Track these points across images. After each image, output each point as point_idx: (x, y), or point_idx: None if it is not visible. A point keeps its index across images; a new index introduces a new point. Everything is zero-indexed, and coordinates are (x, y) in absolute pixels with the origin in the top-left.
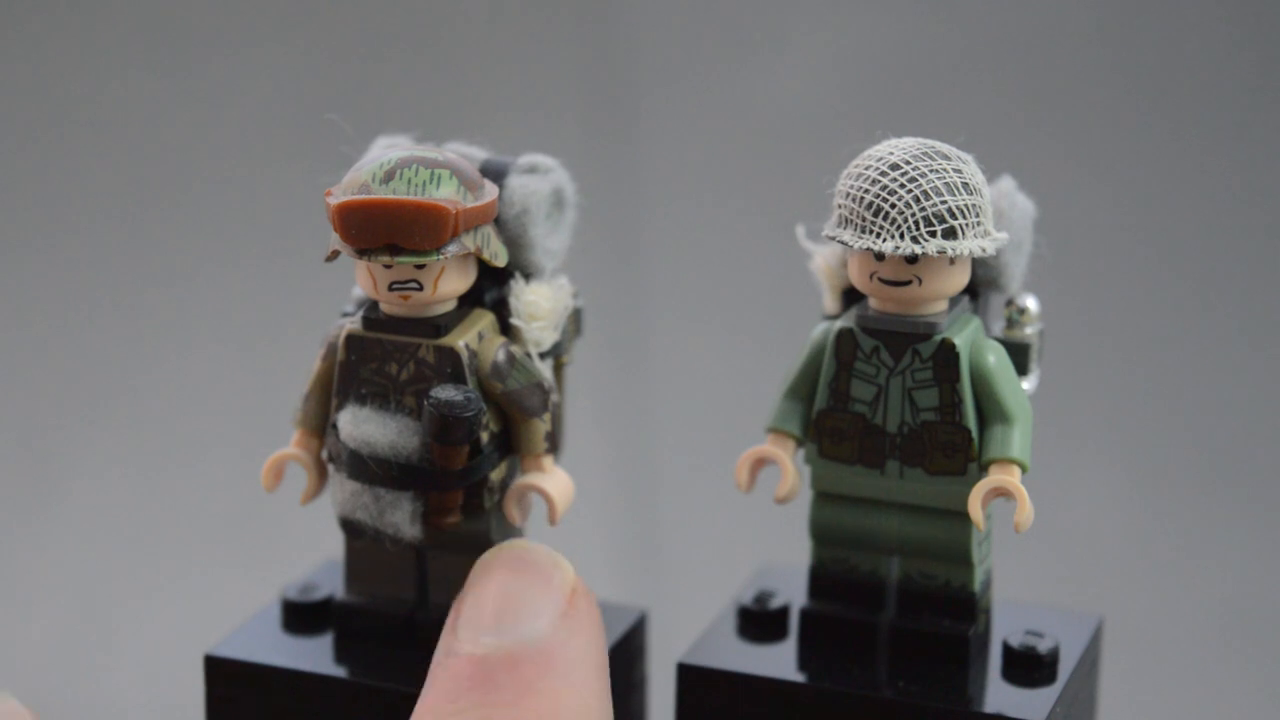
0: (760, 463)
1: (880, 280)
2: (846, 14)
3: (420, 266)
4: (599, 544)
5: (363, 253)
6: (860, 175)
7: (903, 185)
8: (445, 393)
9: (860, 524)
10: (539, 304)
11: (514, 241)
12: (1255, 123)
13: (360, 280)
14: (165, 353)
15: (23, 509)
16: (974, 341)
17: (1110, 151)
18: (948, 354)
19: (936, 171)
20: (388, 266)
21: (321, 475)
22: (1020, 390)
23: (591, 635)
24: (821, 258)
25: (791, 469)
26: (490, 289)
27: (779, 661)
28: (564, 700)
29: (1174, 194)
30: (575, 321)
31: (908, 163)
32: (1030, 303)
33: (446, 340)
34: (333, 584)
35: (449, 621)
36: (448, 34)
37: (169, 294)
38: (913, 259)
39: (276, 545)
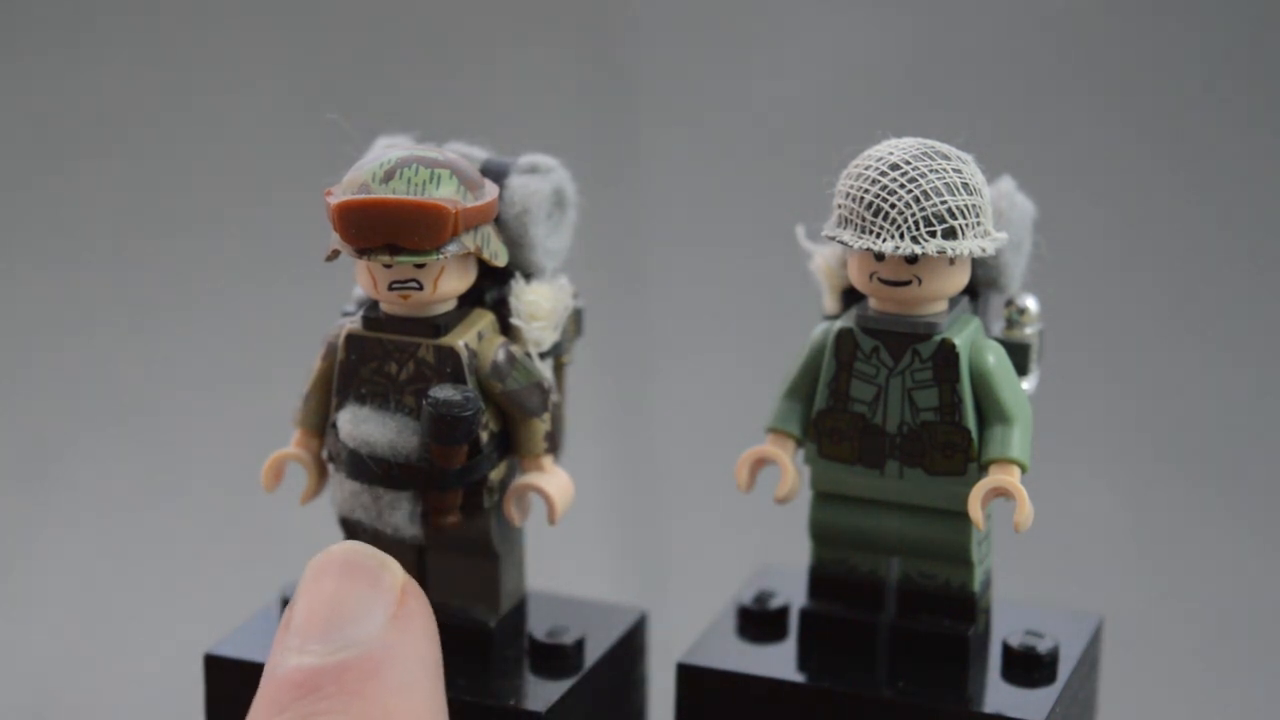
0: (760, 463)
1: (880, 280)
2: (847, 14)
3: (420, 266)
4: (599, 544)
5: (362, 252)
6: (860, 175)
7: (902, 185)
8: (444, 392)
9: (860, 524)
10: (539, 304)
11: (515, 241)
12: (1255, 123)
13: (360, 280)
14: (165, 352)
15: (23, 508)
16: (974, 342)
17: (1109, 152)
18: (947, 354)
19: (936, 171)
20: (387, 266)
21: (321, 475)
22: (1020, 390)
23: (421, 634)
24: (821, 258)
25: (791, 469)
26: (490, 289)
27: (779, 661)
28: (392, 703)
29: (1173, 194)
30: (575, 321)
31: (907, 163)
32: (1030, 303)
33: (446, 340)
34: None
35: (279, 632)
36: (448, 34)
37: (169, 294)
38: (912, 259)
39: (276, 545)
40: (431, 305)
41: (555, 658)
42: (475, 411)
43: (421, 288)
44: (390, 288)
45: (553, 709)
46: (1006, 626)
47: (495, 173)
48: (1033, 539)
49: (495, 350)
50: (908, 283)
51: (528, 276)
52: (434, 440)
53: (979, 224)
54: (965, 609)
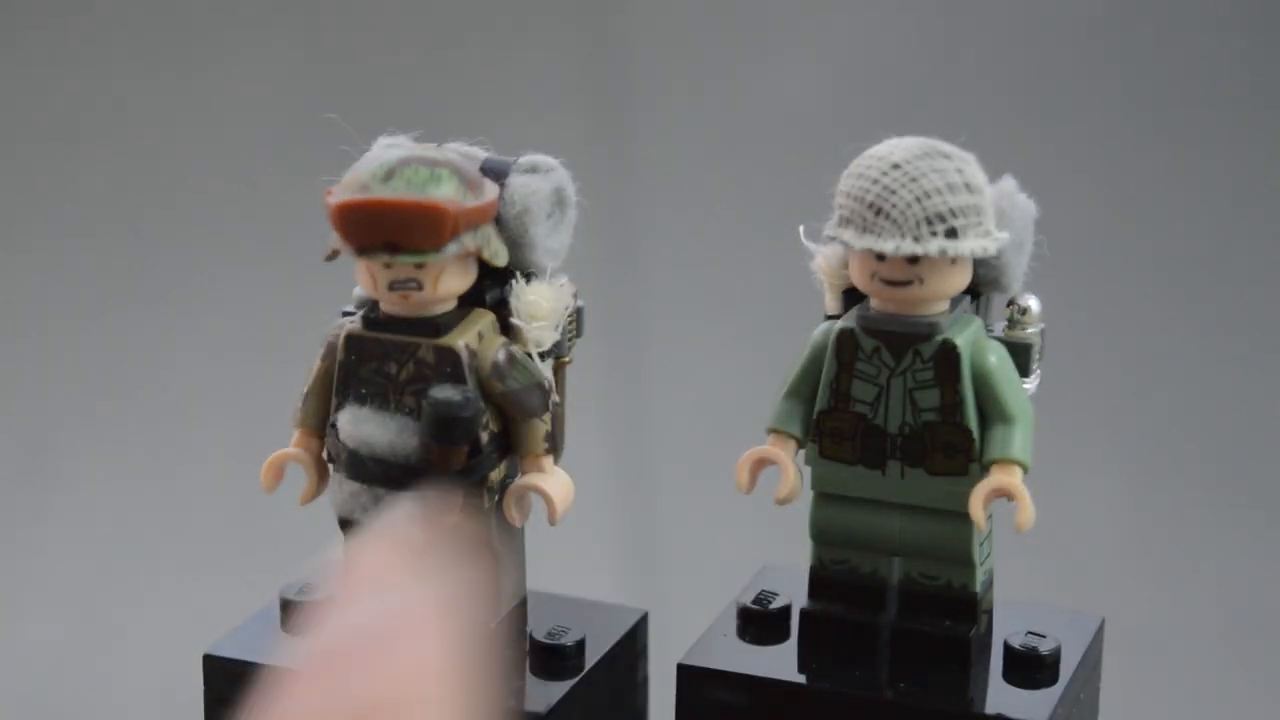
0: (761, 463)
1: (881, 280)
2: (847, 14)
3: (420, 266)
4: (599, 544)
5: (362, 252)
6: (861, 175)
7: (904, 185)
8: (444, 393)
9: (861, 525)
10: (539, 304)
11: (515, 241)
12: (1255, 123)
13: (360, 280)
14: (165, 352)
15: (23, 509)
16: (975, 342)
17: (1110, 151)
18: (949, 354)
19: (938, 171)
20: (387, 266)
21: (321, 475)
22: (1021, 390)
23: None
24: (822, 258)
25: (792, 470)
26: (491, 289)
27: (779, 662)
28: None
29: (1174, 194)
30: (576, 321)
31: (909, 162)
32: (1032, 303)
33: (446, 340)
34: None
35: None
36: (449, 34)
37: (169, 294)
38: (914, 259)
39: (276, 545)
40: (431, 305)
41: (555, 658)
42: (475, 412)
43: (421, 288)
44: (390, 288)
45: (553, 710)
46: (1008, 627)
47: (495, 172)
48: (1034, 539)
49: (495, 350)
50: (909, 282)
51: (528, 276)
52: (434, 440)
53: (980, 224)
54: (967, 610)
